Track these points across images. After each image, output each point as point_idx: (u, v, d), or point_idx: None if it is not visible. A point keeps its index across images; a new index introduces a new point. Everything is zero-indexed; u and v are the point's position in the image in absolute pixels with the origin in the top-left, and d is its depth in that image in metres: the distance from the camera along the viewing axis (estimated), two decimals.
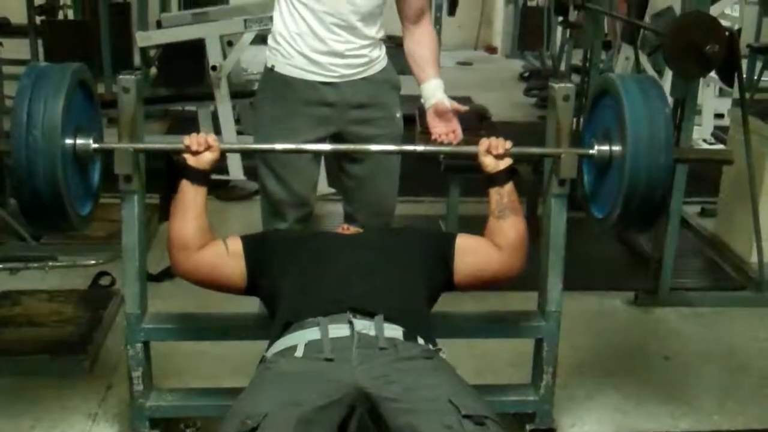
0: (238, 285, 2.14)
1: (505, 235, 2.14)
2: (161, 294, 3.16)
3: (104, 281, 3.45)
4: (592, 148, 2.15)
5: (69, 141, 1.98)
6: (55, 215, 1.98)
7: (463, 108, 2.52)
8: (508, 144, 2.16)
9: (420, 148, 2.43)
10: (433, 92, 2.51)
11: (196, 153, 2.09)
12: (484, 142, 2.16)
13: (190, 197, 2.09)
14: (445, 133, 2.51)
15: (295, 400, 1.66)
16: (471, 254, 2.16)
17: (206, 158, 2.09)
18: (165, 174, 2.15)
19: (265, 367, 1.86)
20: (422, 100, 2.56)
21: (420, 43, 2.55)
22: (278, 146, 2.37)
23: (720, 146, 5.46)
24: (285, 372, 1.79)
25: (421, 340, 1.91)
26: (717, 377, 2.99)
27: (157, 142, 2.26)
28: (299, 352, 1.83)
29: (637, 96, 2.05)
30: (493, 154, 2.14)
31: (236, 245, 2.13)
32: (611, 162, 2.12)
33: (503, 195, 2.15)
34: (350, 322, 1.87)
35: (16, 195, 1.98)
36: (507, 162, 2.16)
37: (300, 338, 1.87)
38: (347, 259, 2.14)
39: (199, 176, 2.09)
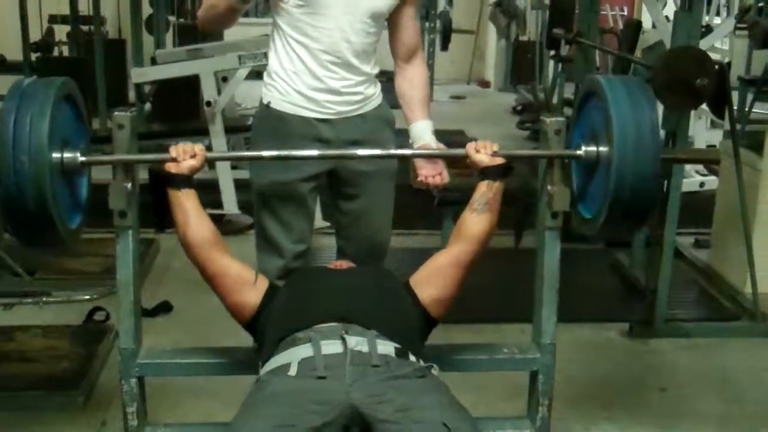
0: (245, 315, 2.16)
1: (474, 227, 2.17)
2: (156, 329, 3.16)
3: (99, 316, 3.44)
4: (579, 149, 2.16)
5: (56, 155, 1.96)
6: (44, 229, 1.97)
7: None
8: (496, 146, 2.19)
9: (408, 152, 2.48)
10: (421, 134, 2.53)
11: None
12: (471, 144, 2.20)
13: (183, 202, 2.12)
14: (432, 175, 2.52)
15: (289, 423, 1.67)
16: (424, 278, 2.20)
17: (186, 164, 2.10)
18: (149, 186, 2.17)
19: (259, 387, 1.87)
20: (410, 141, 2.58)
21: (411, 82, 2.57)
22: (266, 153, 2.39)
23: (712, 177, 5.49)
24: (278, 392, 1.80)
25: (412, 357, 1.93)
26: (713, 408, 2.98)
27: (147, 153, 2.27)
28: (293, 371, 1.84)
29: (623, 96, 2.06)
30: (483, 153, 2.18)
31: (263, 283, 2.18)
32: (599, 162, 2.12)
33: (491, 189, 2.17)
34: (342, 338, 1.88)
35: (4, 211, 1.95)
36: (502, 159, 2.18)
37: (293, 356, 1.88)
38: (339, 281, 2.21)
39: (181, 181, 2.12)
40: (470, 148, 2.19)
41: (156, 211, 2.17)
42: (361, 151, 2.41)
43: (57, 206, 1.95)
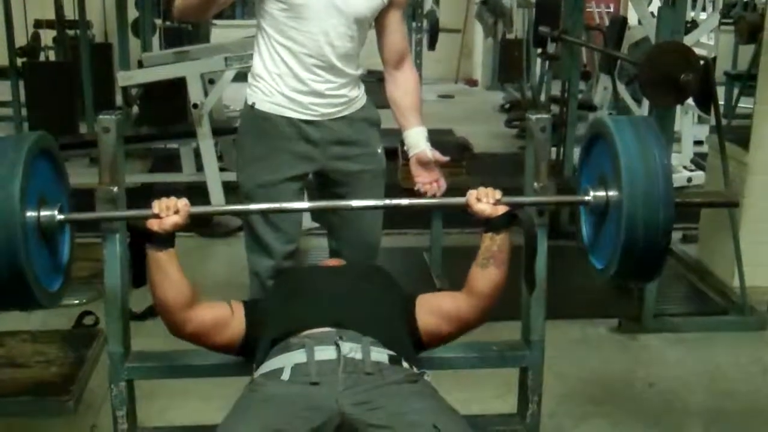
0: (236, 345, 2.11)
1: (479, 284, 2.09)
2: (145, 332, 3.14)
3: (88, 321, 3.43)
4: (587, 194, 2.06)
5: (31, 213, 1.86)
6: (18, 294, 1.85)
7: (444, 158, 2.53)
8: (498, 193, 2.06)
9: (404, 201, 2.33)
10: (416, 142, 2.53)
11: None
12: (472, 192, 2.07)
13: (165, 265, 2.00)
14: (429, 182, 2.54)
15: (278, 427, 1.67)
16: (429, 308, 2.13)
17: (170, 221, 1.98)
18: (129, 241, 2.08)
19: (251, 389, 1.86)
20: (405, 148, 2.59)
21: (402, 89, 2.57)
22: (253, 206, 2.40)
23: (699, 173, 5.52)
24: (270, 396, 1.79)
25: (405, 364, 1.93)
26: (702, 403, 3.00)
27: (128, 210, 2.13)
28: (285, 375, 1.83)
29: (631, 138, 1.96)
30: (484, 202, 2.06)
31: (239, 308, 2.12)
32: (608, 208, 2.02)
33: (495, 242, 2.06)
34: (336, 344, 1.88)
35: None
36: (505, 207, 2.07)
37: (287, 360, 1.87)
38: (332, 283, 2.18)
39: (163, 241, 2.00)
40: (471, 196, 2.06)
41: (134, 265, 2.05)
42: (355, 203, 2.36)
43: (32, 269, 1.83)
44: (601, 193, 2.02)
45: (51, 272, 1.98)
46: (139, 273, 2.05)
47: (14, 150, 1.84)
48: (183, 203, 2.00)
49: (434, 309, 2.13)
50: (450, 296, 2.16)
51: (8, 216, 1.78)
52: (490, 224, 2.05)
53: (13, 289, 1.84)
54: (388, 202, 2.34)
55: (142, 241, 2.00)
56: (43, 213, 1.91)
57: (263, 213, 2.51)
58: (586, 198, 2.06)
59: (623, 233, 1.91)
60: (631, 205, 1.90)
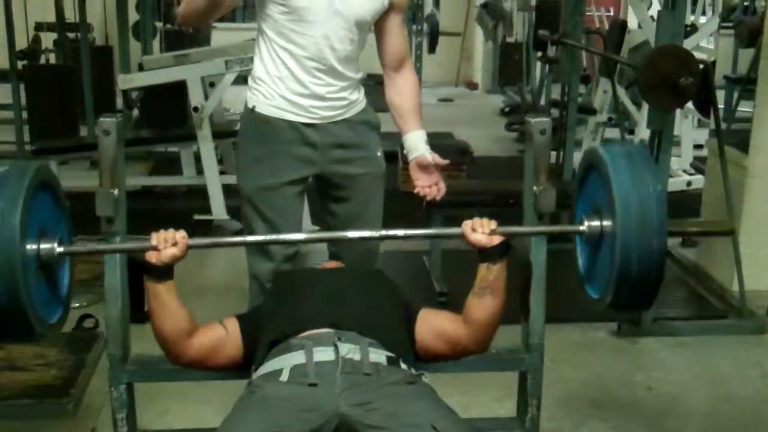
0: (238, 362, 2.12)
1: (475, 313, 2.09)
2: (145, 335, 3.14)
3: (88, 324, 3.43)
4: (582, 224, 2.08)
5: (32, 246, 1.86)
6: (16, 325, 1.84)
7: (444, 162, 2.54)
8: (493, 224, 2.06)
9: (400, 233, 2.26)
10: (415, 145, 2.54)
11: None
12: (468, 222, 2.06)
13: (163, 296, 2.01)
14: (428, 185, 2.54)
15: (278, 429, 1.67)
16: (430, 325, 2.14)
17: (168, 253, 1.97)
18: (128, 273, 2.09)
19: (250, 390, 1.87)
20: (405, 152, 2.59)
21: (401, 93, 2.57)
22: (250, 238, 2.42)
23: (699, 176, 5.52)
24: (269, 397, 1.80)
25: (403, 365, 1.93)
26: (702, 406, 3.00)
27: (125, 241, 2.13)
28: (284, 377, 1.84)
29: (624, 168, 1.98)
30: (480, 232, 2.06)
31: (233, 325, 2.13)
32: (603, 238, 2.04)
33: (491, 272, 2.06)
34: (335, 345, 1.89)
35: None
36: (501, 237, 2.06)
37: (286, 362, 1.88)
38: (330, 285, 2.19)
39: (161, 272, 2.01)
40: (466, 227, 2.05)
41: (134, 297, 2.07)
42: (351, 234, 2.36)
43: (31, 302, 1.83)
44: (596, 223, 2.05)
45: (50, 304, 1.98)
46: (137, 304, 2.06)
47: (15, 182, 1.85)
48: (181, 236, 2.00)
49: (435, 328, 2.14)
50: (453, 319, 2.14)
51: (8, 250, 1.78)
52: (486, 254, 2.05)
53: (12, 322, 1.84)
54: (384, 233, 2.36)
55: (140, 272, 2.01)
56: (43, 246, 1.91)
57: (263, 216, 2.52)
58: (581, 228, 2.08)
59: (617, 263, 1.94)
60: (624, 234, 1.93)
